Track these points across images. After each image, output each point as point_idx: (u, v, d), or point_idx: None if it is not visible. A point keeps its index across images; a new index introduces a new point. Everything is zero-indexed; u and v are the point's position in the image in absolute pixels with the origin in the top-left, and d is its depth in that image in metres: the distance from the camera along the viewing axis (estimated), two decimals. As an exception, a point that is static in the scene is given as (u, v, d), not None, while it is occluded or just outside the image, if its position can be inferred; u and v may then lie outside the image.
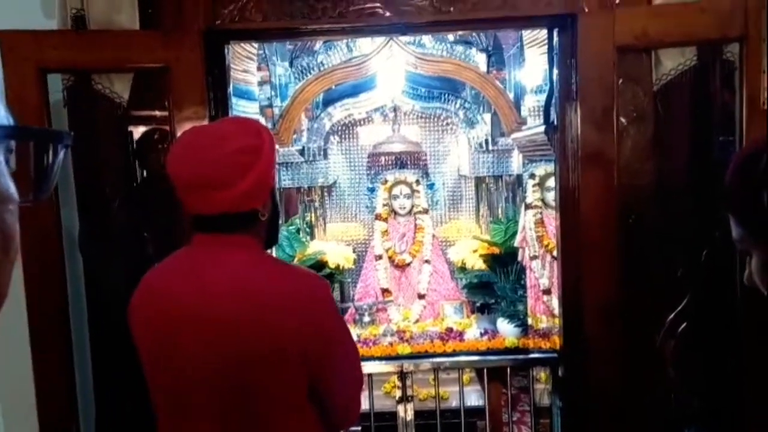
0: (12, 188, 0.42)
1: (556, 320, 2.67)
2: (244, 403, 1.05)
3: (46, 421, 1.71)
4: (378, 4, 1.72)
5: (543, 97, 2.42)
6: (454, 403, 2.59)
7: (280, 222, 2.71)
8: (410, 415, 2.24)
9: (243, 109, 2.52)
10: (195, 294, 1.05)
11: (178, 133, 1.67)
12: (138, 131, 1.84)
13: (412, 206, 3.52)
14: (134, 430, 1.73)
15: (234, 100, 1.99)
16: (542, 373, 2.74)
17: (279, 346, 1.03)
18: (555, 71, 1.85)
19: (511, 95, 3.19)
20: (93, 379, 1.80)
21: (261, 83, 3.15)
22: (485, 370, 2.41)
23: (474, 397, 2.73)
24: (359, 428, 2.56)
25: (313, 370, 1.07)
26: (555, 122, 1.88)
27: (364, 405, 2.50)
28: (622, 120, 1.76)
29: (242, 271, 1.07)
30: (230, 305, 1.03)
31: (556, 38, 1.83)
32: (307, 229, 3.61)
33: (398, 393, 2.31)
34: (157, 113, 1.84)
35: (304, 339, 1.04)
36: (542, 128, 2.10)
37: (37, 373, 1.69)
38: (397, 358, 2.66)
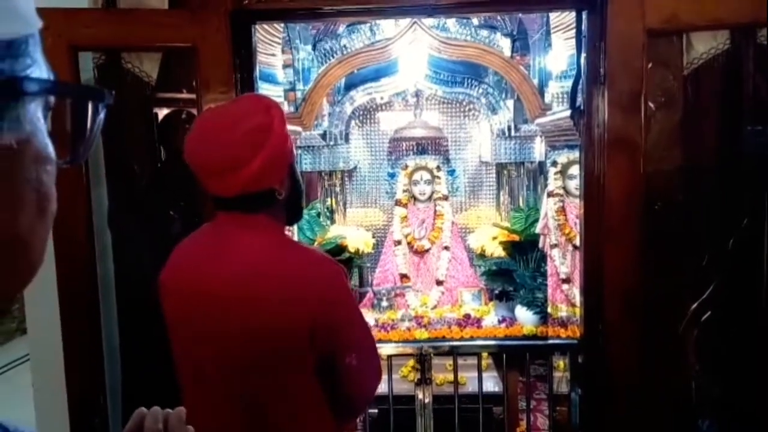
0: (50, 147, 0.40)
1: (576, 309, 2.66)
2: (261, 380, 1.08)
3: (75, 393, 1.76)
4: (405, -15, 1.71)
5: (568, 83, 2.40)
6: (470, 388, 2.60)
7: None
8: (428, 398, 2.25)
9: (266, 92, 2.53)
10: (216, 272, 1.07)
11: (204, 113, 1.69)
12: (166, 111, 1.86)
13: (433, 192, 3.51)
14: (161, 402, 1.77)
15: (258, 83, 2.00)
16: (560, 362, 2.73)
17: (291, 329, 1.04)
18: (582, 54, 1.82)
19: (535, 81, 3.15)
20: (120, 353, 1.84)
21: (284, 67, 3.16)
22: (504, 356, 2.41)
23: (490, 384, 2.74)
24: (376, 410, 2.59)
25: (325, 353, 1.08)
26: (581, 107, 1.86)
27: (383, 388, 2.53)
28: (651, 105, 1.73)
29: (259, 254, 1.09)
30: (247, 287, 1.06)
31: (584, 20, 1.80)
32: (328, 213, 3.63)
33: (416, 376, 2.32)
34: (185, 94, 1.86)
35: (317, 324, 1.05)
36: (568, 113, 2.08)
37: (66, 346, 1.73)
38: (416, 342, 2.68)
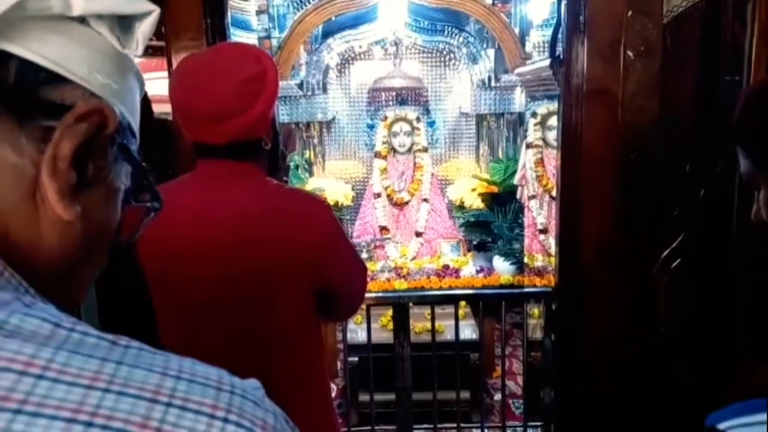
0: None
1: (552, 259, 2.71)
2: (255, 322, 1.10)
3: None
4: (381, -74, 1.64)
5: (549, 32, 2.36)
6: (448, 336, 2.67)
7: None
8: (407, 346, 2.30)
9: (240, 38, 2.45)
10: (214, 216, 1.07)
11: (175, 63, 1.63)
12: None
13: (412, 144, 3.49)
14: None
15: (231, 30, 1.93)
16: (535, 309, 2.81)
17: (293, 258, 1.08)
18: (563, 2, 1.79)
19: (517, 30, 3.10)
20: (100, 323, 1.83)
21: (258, 13, 3.05)
22: (480, 305, 2.46)
23: (468, 331, 2.81)
24: (356, 359, 2.65)
25: (323, 275, 1.13)
26: (561, 56, 1.84)
27: (362, 337, 2.58)
28: (629, 54, 1.72)
29: (253, 193, 1.10)
30: (244, 224, 1.07)
31: (565, -34, 1.76)
32: (306, 166, 3.59)
33: (395, 325, 2.36)
34: (154, 41, 1.79)
35: (316, 248, 1.10)
36: (548, 62, 2.06)
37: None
38: (395, 293, 2.72)
